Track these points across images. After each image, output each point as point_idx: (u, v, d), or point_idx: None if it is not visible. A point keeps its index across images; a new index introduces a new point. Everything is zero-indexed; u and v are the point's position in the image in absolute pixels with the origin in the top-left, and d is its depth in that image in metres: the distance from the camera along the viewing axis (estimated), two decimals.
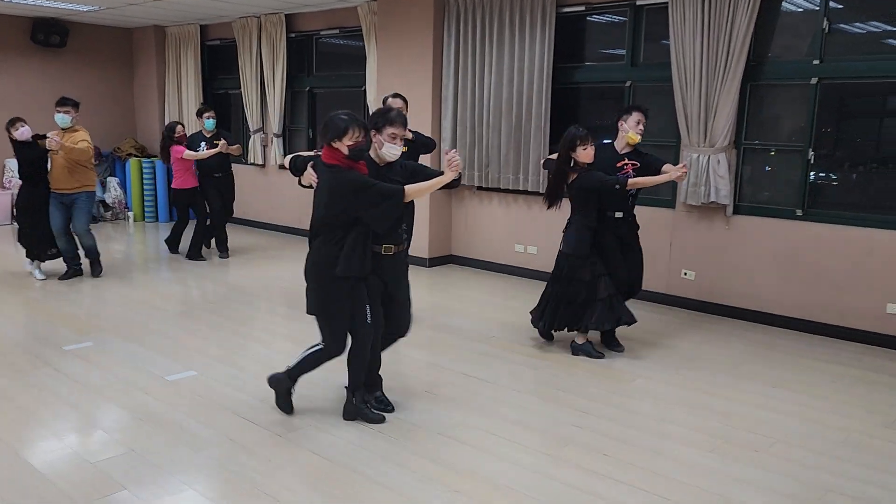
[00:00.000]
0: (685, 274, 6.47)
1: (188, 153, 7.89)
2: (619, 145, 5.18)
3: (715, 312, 6.27)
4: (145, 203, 10.98)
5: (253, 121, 10.17)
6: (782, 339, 5.61)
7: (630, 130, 5.07)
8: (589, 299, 4.93)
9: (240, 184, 8.70)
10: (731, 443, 3.83)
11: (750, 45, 5.80)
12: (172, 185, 8.23)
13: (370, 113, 8.45)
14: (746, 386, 4.64)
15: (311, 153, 4.12)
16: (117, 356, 4.97)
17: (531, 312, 5.29)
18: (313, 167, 3.80)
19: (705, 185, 6.10)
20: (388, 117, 3.80)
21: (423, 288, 6.90)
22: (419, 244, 8.06)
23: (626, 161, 5.11)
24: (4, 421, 3.91)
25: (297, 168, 3.99)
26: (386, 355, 4.21)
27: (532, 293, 6.05)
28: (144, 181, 10.91)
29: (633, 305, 5.41)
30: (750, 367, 5.00)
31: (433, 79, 7.77)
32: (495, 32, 7.29)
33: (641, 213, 6.70)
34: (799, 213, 5.87)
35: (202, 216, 8.23)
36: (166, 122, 9.64)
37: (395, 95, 5.86)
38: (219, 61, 11.01)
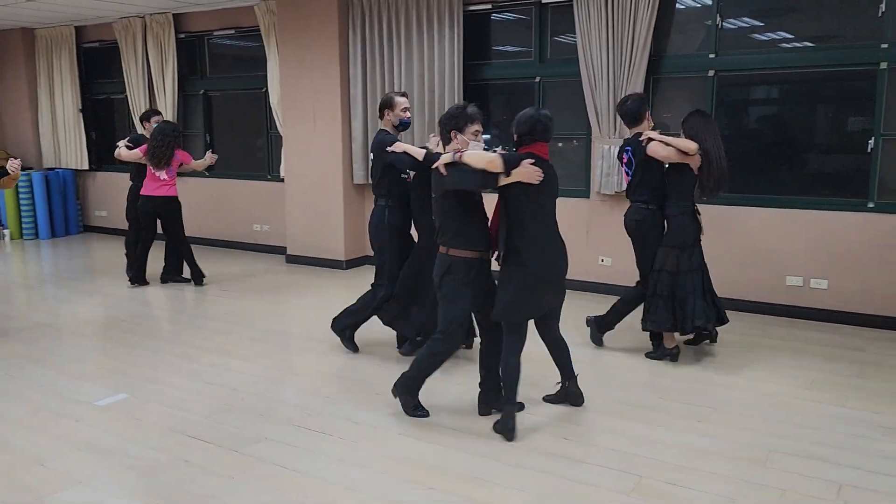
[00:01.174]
0: (602, 260, 6.74)
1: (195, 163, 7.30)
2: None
3: None
4: (23, 219, 10.14)
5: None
6: None
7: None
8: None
9: (125, 193, 7.87)
10: (671, 414, 4.04)
11: (651, 40, 6.12)
12: (143, 192, 6.96)
13: (276, 115, 8.28)
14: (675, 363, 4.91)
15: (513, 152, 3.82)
16: (32, 383, 4.59)
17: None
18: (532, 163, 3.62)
19: (617, 174, 6.38)
20: (469, 115, 3.74)
21: (342, 290, 6.80)
22: (335, 246, 7.95)
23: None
24: None
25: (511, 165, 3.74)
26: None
27: None
28: (20, 195, 10.07)
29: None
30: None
31: (340, 79, 7.66)
32: (402, 31, 7.28)
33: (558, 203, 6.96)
34: (704, 198, 6.24)
35: (179, 232, 7.13)
36: (37, 131, 8.90)
37: (403, 94, 4.95)
38: (98, 65, 10.36)
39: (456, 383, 4.48)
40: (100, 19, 9.62)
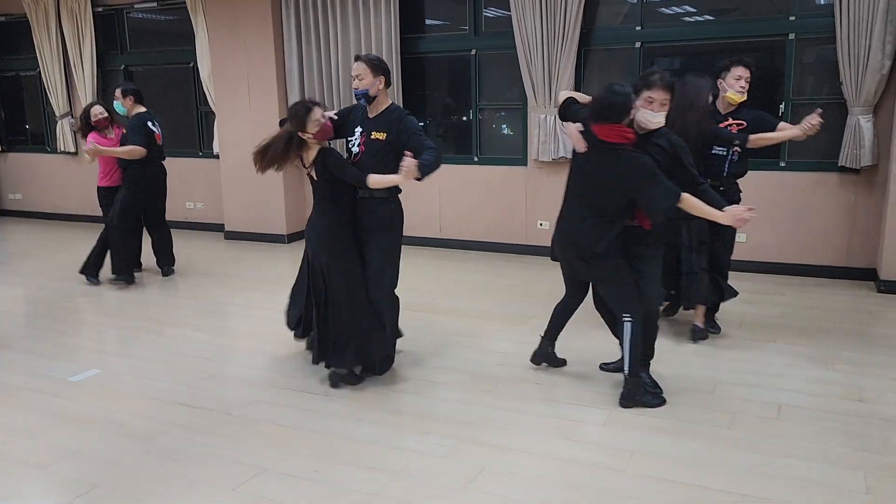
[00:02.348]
0: (540, 224, 7.11)
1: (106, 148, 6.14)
2: (721, 106, 4.54)
3: None
4: None
5: (59, 105, 9.27)
6: None
7: (729, 90, 4.46)
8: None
9: (47, 174, 7.53)
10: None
11: (583, 13, 6.46)
12: (100, 184, 6.41)
13: (207, 91, 8.17)
14: None
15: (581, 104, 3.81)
16: (1, 363, 4.53)
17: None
18: (582, 133, 3.59)
19: (554, 142, 6.73)
20: (648, 80, 3.49)
21: (286, 263, 6.89)
22: (277, 220, 7.98)
23: (731, 121, 4.51)
24: None
25: (567, 114, 3.83)
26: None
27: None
28: None
29: (485, 259, 5.90)
30: None
31: (275, 52, 7.66)
32: (338, 4, 7.34)
33: (495, 171, 7.27)
34: None
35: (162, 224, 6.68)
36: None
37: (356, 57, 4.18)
38: (5, 40, 9.83)
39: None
40: None
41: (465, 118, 7.46)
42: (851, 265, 6.00)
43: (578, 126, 3.64)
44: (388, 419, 3.68)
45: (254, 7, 7.62)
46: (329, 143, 4.11)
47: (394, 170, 3.78)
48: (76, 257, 6.78)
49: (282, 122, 4.14)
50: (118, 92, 6.31)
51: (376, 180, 3.82)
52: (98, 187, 6.44)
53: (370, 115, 4.04)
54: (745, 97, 4.46)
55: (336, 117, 4.06)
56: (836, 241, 6.01)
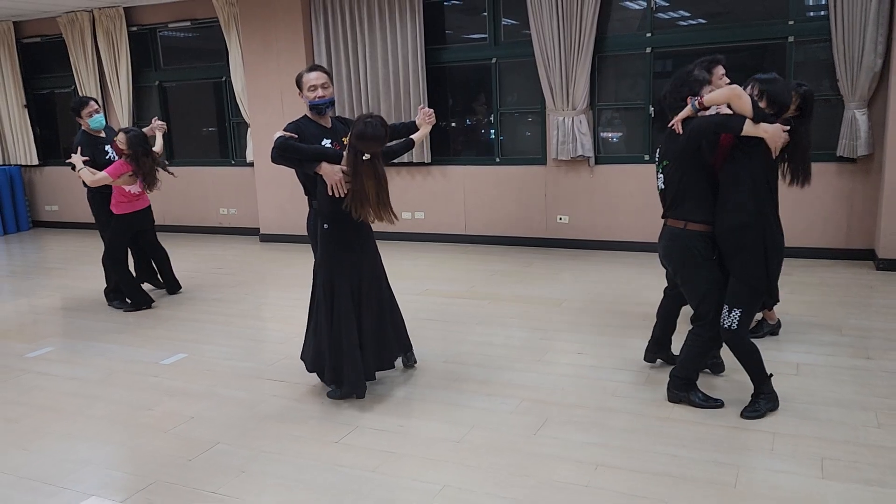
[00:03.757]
0: (560, 219, 7.64)
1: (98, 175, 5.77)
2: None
3: (589, 248, 7.50)
4: None
5: None
6: (642, 260, 6.94)
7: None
8: None
9: (82, 185, 7.00)
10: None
11: (597, 22, 7.01)
12: (116, 211, 6.00)
13: (240, 103, 8.69)
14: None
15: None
16: (90, 353, 5.02)
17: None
18: None
19: (572, 142, 7.27)
20: (700, 77, 3.59)
21: None
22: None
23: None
24: (78, 425, 3.98)
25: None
26: None
27: (427, 255, 6.92)
28: None
29: (509, 252, 6.45)
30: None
31: (306, 65, 8.15)
32: (366, 19, 7.88)
33: (516, 171, 7.82)
34: (647, 157, 7.24)
35: (158, 246, 6.45)
36: None
37: (312, 68, 4.26)
38: (39, 60, 10.34)
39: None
40: (43, 14, 9.64)
41: (487, 121, 8.00)
42: (851, 246, 6.56)
43: (786, 126, 3.47)
44: (455, 385, 4.20)
45: (285, 24, 8.15)
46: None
47: None
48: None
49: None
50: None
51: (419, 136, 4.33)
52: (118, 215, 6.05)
53: (329, 125, 4.15)
54: None
55: (296, 136, 3.97)
56: (837, 224, 6.57)
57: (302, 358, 4.19)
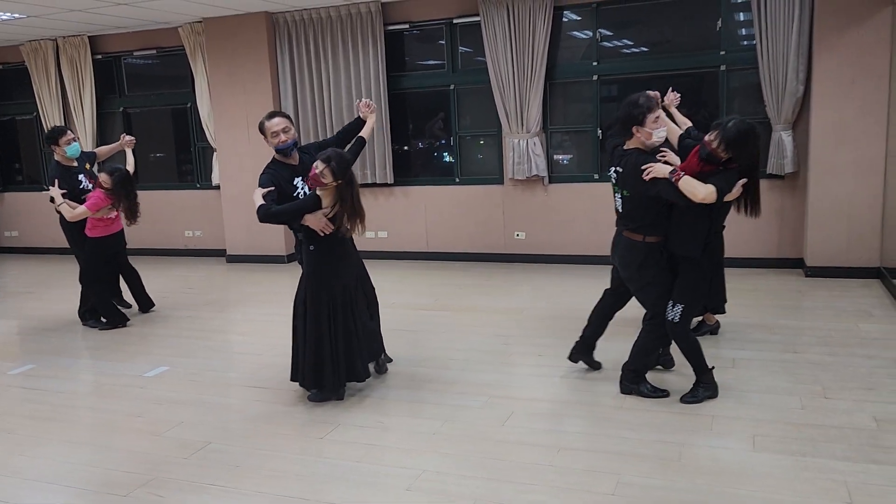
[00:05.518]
0: (518, 235, 8.10)
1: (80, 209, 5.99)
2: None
3: (544, 262, 7.97)
4: None
5: None
6: (594, 272, 7.41)
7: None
8: None
9: (43, 210, 7.05)
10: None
11: (548, 51, 7.54)
12: (90, 234, 6.18)
13: (206, 128, 8.95)
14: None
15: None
16: (75, 370, 5.23)
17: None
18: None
19: (527, 163, 7.75)
20: (644, 105, 3.90)
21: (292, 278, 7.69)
22: (275, 243, 8.77)
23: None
24: (79, 433, 4.19)
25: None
26: None
27: (391, 272, 7.31)
28: None
29: (470, 267, 6.86)
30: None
31: (272, 93, 8.53)
32: (329, 49, 8.27)
33: (475, 190, 8.26)
34: (596, 176, 7.76)
35: (129, 267, 6.69)
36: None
37: (272, 115, 4.65)
38: (2, 87, 10.43)
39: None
40: (6, 42, 9.76)
41: (446, 144, 8.44)
42: (783, 256, 7.16)
43: (743, 180, 3.86)
44: (427, 386, 4.56)
45: (251, 52, 8.48)
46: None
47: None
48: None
49: None
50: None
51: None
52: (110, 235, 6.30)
53: (297, 161, 4.49)
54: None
55: (273, 188, 4.27)
56: (769, 235, 7.17)
57: (292, 379, 4.39)
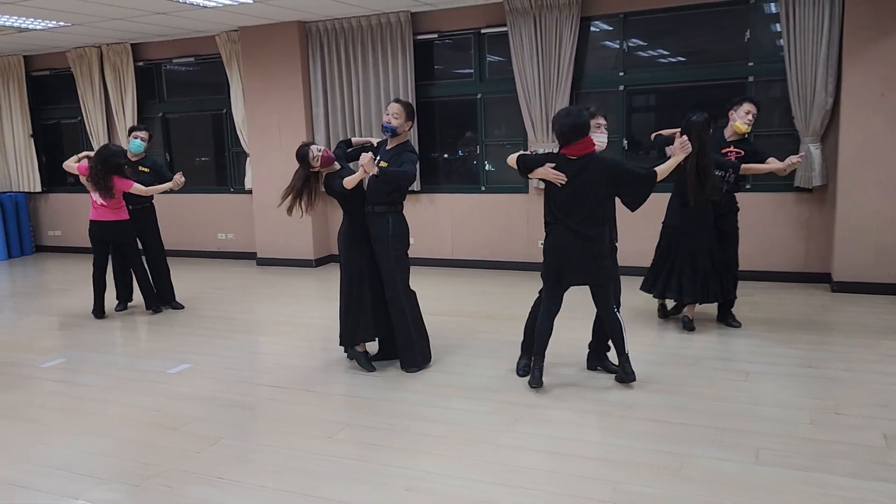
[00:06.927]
0: (541, 244, 8.08)
1: (137, 187, 6.47)
2: (727, 133, 5.58)
3: None
4: None
5: None
6: None
7: (738, 120, 5.48)
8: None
9: (85, 211, 6.98)
10: None
11: (574, 61, 7.57)
12: (93, 217, 6.55)
13: (240, 134, 9.18)
14: None
15: (541, 153, 4.69)
16: (100, 365, 5.41)
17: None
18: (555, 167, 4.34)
19: None
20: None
21: (317, 282, 7.85)
22: (305, 247, 8.93)
23: (731, 149, 5.51)
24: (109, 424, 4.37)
25: (528, 165, 4.48)
26: None
27: (415, 278, 7.32)
28: None
29: (493, 275, 6.89)
30: None
31: (304, 100, 8.71)
32: (360, 57, 8.42)
33: (500, 199, 8.30)
34: None
35: (136, 256, 6.84)
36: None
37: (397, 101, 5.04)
38: (47, 92, 10.85)
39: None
40: (54, 49, 10.15)
41: (473, 152, 8.51)
42: (809, 270, 7.05)
43: (549, 165, 4.36)
44: (437, 390, 4.62)
45: (284, 61, 8.68)
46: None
47: (388, 193, 4.86)
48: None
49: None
50: (145, 134, 6.86)
51: (347, 181, 4.74)
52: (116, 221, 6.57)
53: (387, 147, 4.98)
54: (750, 128, 5.52)
55: (375, 143, 5.18)
56: (795, 249, 7.07)
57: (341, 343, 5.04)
